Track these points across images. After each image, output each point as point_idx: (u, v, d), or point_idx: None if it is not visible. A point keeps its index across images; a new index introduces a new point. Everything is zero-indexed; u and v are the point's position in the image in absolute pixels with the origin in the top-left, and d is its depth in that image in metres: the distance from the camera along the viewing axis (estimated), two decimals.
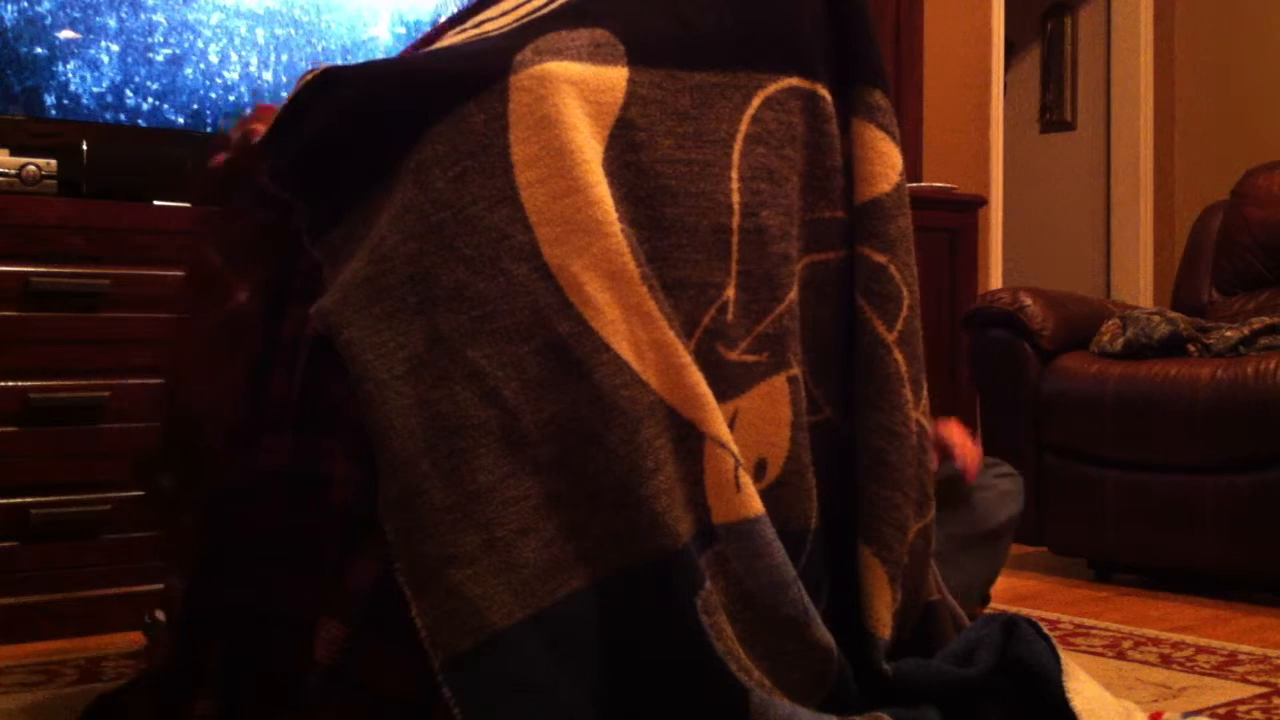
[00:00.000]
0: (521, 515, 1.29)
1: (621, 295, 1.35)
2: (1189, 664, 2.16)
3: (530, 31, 1.43)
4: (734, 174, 1.47)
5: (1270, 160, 3.65)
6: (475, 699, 1.24)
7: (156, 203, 2.52)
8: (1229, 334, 2.94)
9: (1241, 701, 1.91)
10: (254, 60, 2.82)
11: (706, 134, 1.46)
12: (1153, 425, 2.86)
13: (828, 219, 1.57)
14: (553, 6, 1.50)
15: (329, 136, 1.44)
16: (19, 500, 2.34)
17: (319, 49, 2.90)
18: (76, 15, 2.62)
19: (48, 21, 2.59)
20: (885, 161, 1.59)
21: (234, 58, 2.80)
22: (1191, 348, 2.95)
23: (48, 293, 2.36)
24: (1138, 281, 4.85)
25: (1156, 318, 3.02)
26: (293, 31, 2.87)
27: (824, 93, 1.57)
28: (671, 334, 1.36)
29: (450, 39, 1.62)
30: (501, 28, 1.52)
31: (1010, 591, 2.85)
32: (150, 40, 2.70)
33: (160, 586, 2.40)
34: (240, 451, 1.52)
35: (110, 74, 2.66)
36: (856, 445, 1.56)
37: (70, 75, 2.62)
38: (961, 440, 2.08)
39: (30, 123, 2.56)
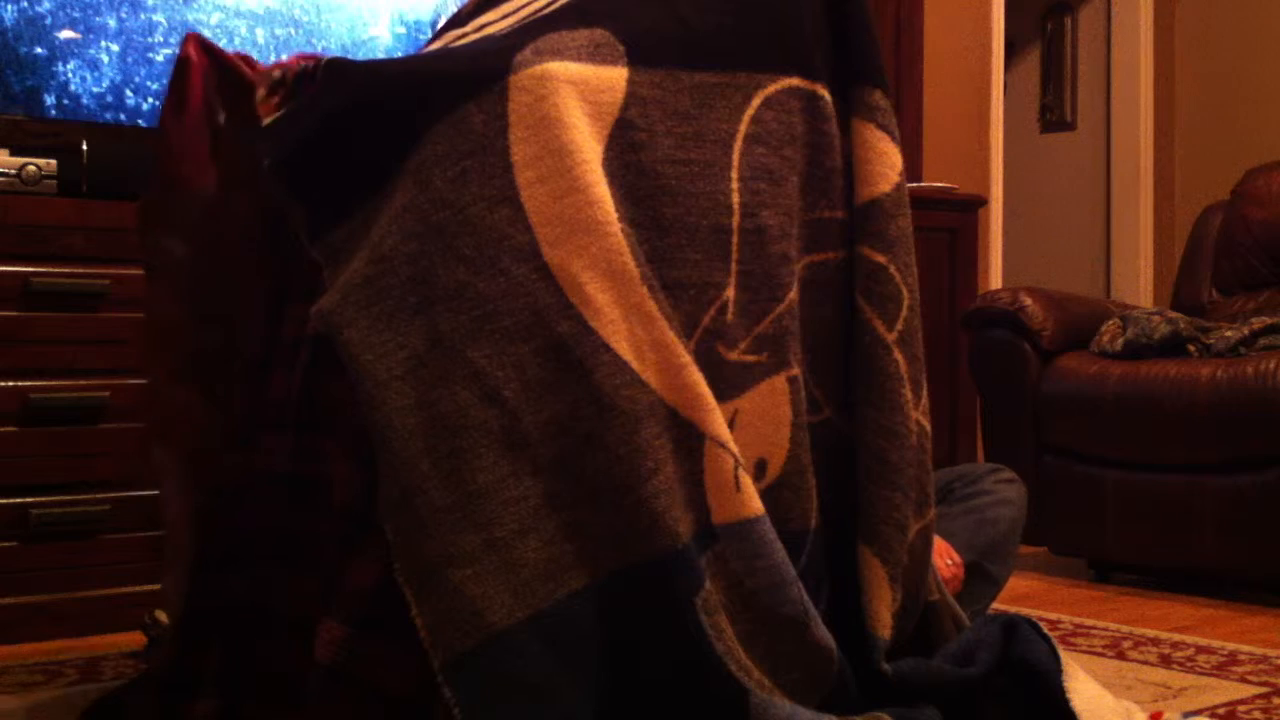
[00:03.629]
0: (521, 515, 1.29)
1: (621, 295, 1.35)
2: (1189, 664, 2.16)
3: (530, 32, 1.43)
4: (734, 174, 1.47)
5: (1270, 160, 3.65)
6: (475, 699, 1.24)
7: None
8: (1229, 334, 2.94)
9: (1241, 701, 1.91)
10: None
11: (706, 134, 1.46)
12: (1153, 425, 2.86)
13: (827, 219, 1.57)
14: (552, 7, 1.50)
15: (328, 137, 1.43)
16: (19, 500, 2.34)
17: (319, 49, 2.90)
18: (76, 15, 2.62)
19: (48, 21, 2.59)
20: (885, 161, 1.59)
21: None
22: (1191, 348, 2.95)
23: (48, 293, 2.36)
24: (1138, 281, 4.85)
25: (1156, 318, 3.02)
26: (293, 31, 2.87)
27: (824, 93, 1.57)
28: (671, 334, 1.36)
29: (450, 40, 1.62)
30: (501, 30, 1.52)
31: (1010, 591, 2.84)
32: (150, 40, 2.70)
33: (157, 586, 2.41)
34: (240, 451, 1.52)
35: (110, 74, 2.66)
36: (856, 445, 1.56)
37: (70, 75, 2.62)
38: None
39: (30, 123, 2.56)
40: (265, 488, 1.47)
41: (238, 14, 2.80)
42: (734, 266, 1.46)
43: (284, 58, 1.59)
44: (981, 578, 2.07)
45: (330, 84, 1.45)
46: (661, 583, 1.32)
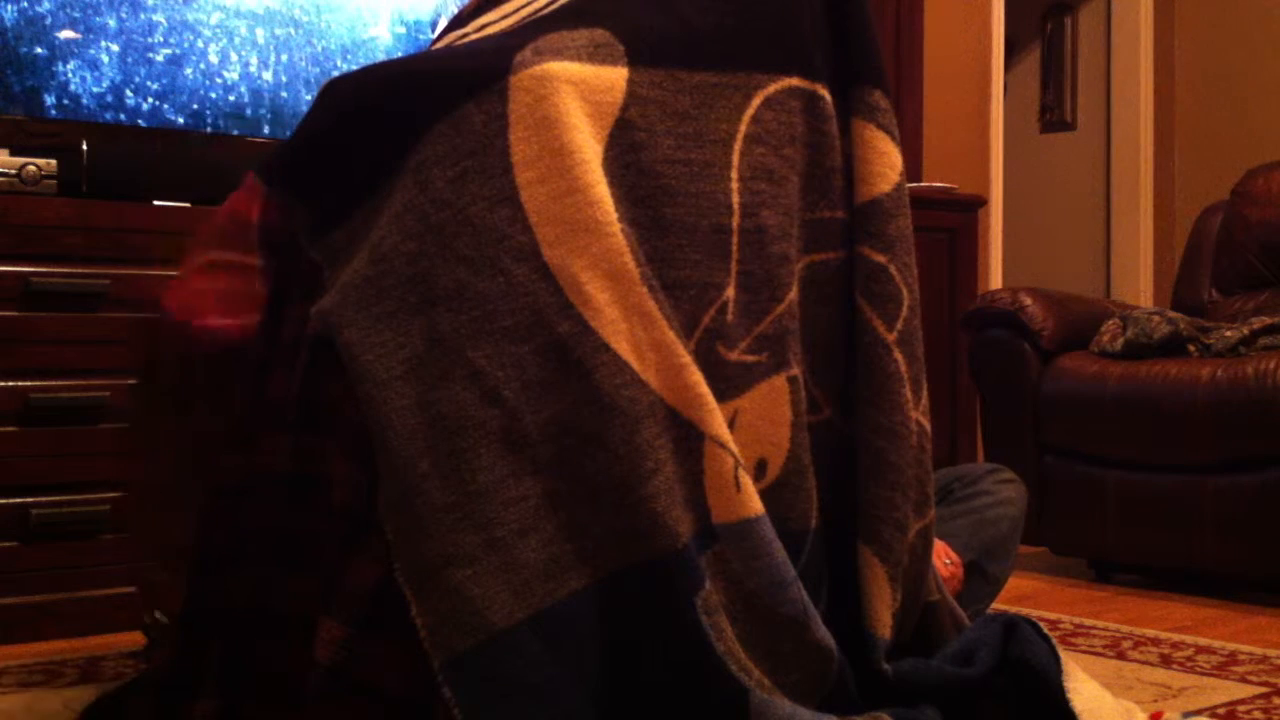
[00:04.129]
0: (521, 515, 1.29)
1: (621, 295, 1.35)
2: (1189, 664, 2.16)
3: (530, 32, 1.43)
4: (734, 174, 1.47)
5: (1270, 160, 3.65)
6: (475, 699, 1.24)
7: (156, 203, 2.53)
8: (1229, 334, 2.94)
9: (1241, 701, 1.91)
10: (254, 60, 2.82)
11: (706, 134, 1.46)
12: (1153, 425, 2.86)
13: (827, 219, 1.57)
14: (553, 7, 1.50)
15: (328, 137, 1.44)
16: (19, 500, 2.34)
17: (319, 49, 2.90)
18: (76, 15, 2.62)
19: (48, 21, 2.59)
20: (885, 161, 1.59)
21: (234, 58, 2.80)
22: (1191, 348, 2.95)
23: (48, 293, 2.36)
24: (1138, 281, 4.86)
25: (1156, 318, 3.02)
26: (293, 31, 2.87)
27: (824, 92, 1.57)
28: (671, 334, 1.36)
29: (451, 40, 1.62)
30: (502, 30, 1.52)
31: (1010, 591, 2.84)
32: (150, 40, 2.70)
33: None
34: (240, 451, 1.52)
35: (110, 74, 2.66)
36: (856, 445, 1.56)
37: (70, 75, 2.62)
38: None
39: (30, 123, 2.56)
40: (265, 488, 1.47)
41: (238, 14, 2.80)
42: (734, 266, 1.46)
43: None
44: (981, 578, 2.07)
45: (331, 87, 1.45)
46: (662, 583, 1.32)
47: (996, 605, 2.19)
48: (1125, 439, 2.92)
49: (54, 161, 2.42)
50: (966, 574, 2.03)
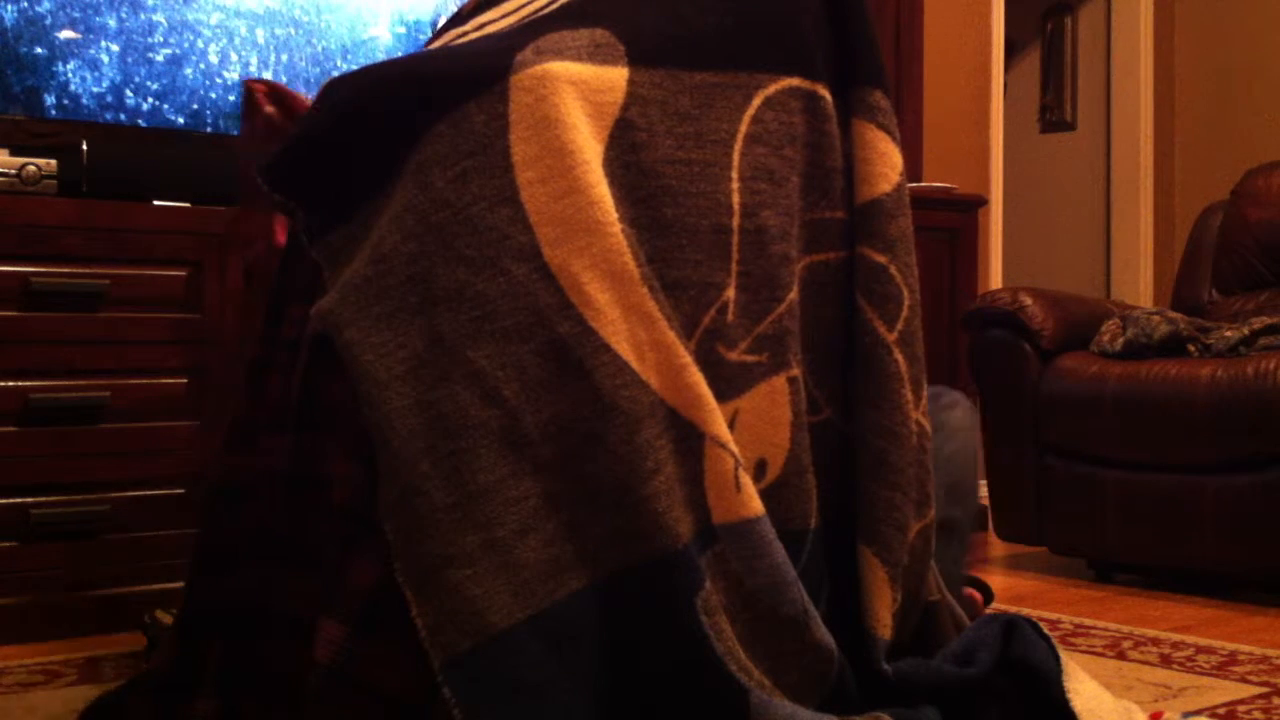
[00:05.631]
0: (522, 515, 1.29)
1: (622, 295, 1.35)
2: (1189, 664, 2.16)
3: (530, 31, 1.43)
4: (734, 174, 1.47)
5: (1270, 160, 3.65)
6: (475, 699, 1.24)
7: (156, 203, 2.53)
8: (1229, 334, 2.94)
9: (1241, 701, 1.91)
10: (254, 60, 2.82)
11: (707, 134, 1.46)
12: (1153, 425, 2.86)
13: (828, 219, 1.57)
14: (553, 7, 1.50)
15: (327, 138, 1.43)
16: (19, 500, 2.34)
17: (319, 49, 2.90)
18: (76, 15, 2.62)
19: (48, 21, 2.59)
20: (886, 161, 1.58)
21: (234, 58, 2.80)
22: (1191, 348, 2.95)
23: (48, 293, 2.36)
24: (1138, 281, 4.86)
25: (1156, 318, 3.02)
26: (293, 31, 2.87)
27: (824, 93, 1.57)
28: (671, 334, 1.37)
29: (450, 39, 1.62)
30: (502, 29, 1.52)
31: (1010, 591, 2.85)
32: (150, 40, 2.70)
33: (157, 586, 2.41)
34: (240, 451, 1.52)
35: (110, 74, 2.66)
36: (856, 445, 1.56)
37: (70, 75, 2.62)
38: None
39: (30, 123, 2.56)
40: (265, 488, 1.47)
41: (238, 14, 2.80)
42: (734, 267, 1.46)
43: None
44: (953, 533, 1.96)
45: (331, 88, 1.45)
46: (662, 583, 1.32)
47: (997, 606, 2.18)
48: (1125, 439, 2.92)
49: (54, 161, 2.42)
50: (937, 531, 1.92)
